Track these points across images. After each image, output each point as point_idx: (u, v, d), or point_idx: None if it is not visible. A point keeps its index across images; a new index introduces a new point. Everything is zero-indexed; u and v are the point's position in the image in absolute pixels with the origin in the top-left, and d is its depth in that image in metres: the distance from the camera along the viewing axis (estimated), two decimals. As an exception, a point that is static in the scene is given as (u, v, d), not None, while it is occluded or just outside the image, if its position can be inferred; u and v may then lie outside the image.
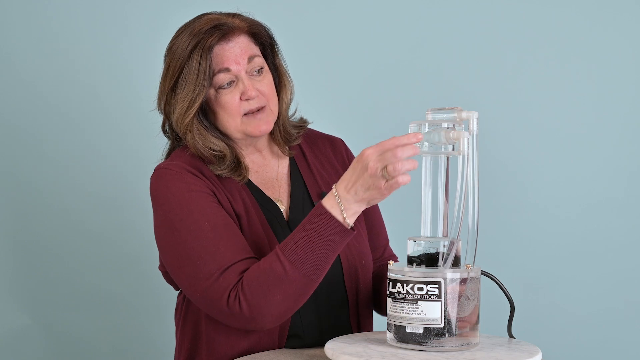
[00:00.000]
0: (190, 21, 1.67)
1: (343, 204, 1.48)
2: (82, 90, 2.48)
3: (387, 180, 1.43)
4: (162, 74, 1.68)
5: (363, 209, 1.49)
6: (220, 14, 1.68)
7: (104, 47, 2.48)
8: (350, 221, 1.49)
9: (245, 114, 1.65)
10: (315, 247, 1.49)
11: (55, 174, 2.47)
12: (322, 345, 1.62)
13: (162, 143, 1.79)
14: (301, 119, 1.81)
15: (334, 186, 1.49)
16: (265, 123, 1.67)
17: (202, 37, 1.61)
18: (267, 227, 1.66)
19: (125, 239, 2.49)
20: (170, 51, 1.66)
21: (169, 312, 2.02)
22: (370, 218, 1.83)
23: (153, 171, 1.67)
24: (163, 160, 1.74)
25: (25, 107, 2.47)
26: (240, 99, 1.64)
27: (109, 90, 2.49)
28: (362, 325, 1.75)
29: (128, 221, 2.47)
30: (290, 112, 1.79)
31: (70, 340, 2.50)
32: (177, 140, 1.74)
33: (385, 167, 1.41)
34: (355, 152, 1.84)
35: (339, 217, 1.48)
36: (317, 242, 1.49)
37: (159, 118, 1.75)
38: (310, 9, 2.57)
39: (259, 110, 1.66)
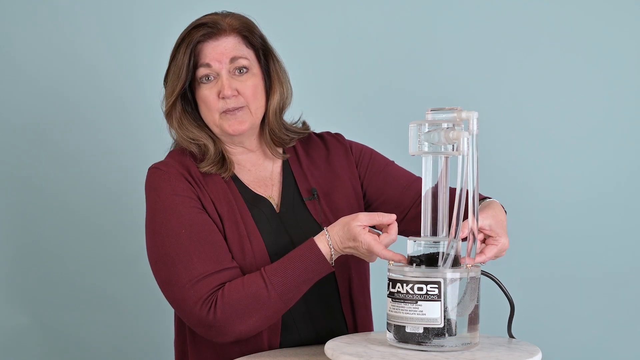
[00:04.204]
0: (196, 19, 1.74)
1: (333, 246, 1.57)
2: (85, 88, 2.48)
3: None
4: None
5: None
6: (219, 13, 1.72)
7: (109, 43, 2.48)
8: (334, 259, 1.59)
9: (223, 112, 1.69)
10: (301, 283, 1.59)
11: (55, 174, 2.47)
12: (317, 340, 1.69)
13: (167, 141, 1.81)
14: (304, 124, 1.84)
15: (325, 229, 1.58)
16: (240, 123, 1.70)
17: (189, 31, 1.69)
18: (252, 225, 1.69)
19: (125, 239, 2.48)
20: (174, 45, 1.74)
21: (169, 312, 2.02)
22: (386, 189, 1.82)
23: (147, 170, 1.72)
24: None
25: (25, 105, 2.46)
26: (218, 96, 1.68)
27: (112, 88, 2.48)
28: (357, 315, 1.76)
29: (128, 221, 2.47)
30: (294, 119, 1.81)
31: (70, 340, 2.50)
32: None
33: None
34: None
35: (327, 256, 1.58)
36: (304, 278, 1.58)
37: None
38: (310, 10, 2.56)
39: (238, 109, 1.69)
